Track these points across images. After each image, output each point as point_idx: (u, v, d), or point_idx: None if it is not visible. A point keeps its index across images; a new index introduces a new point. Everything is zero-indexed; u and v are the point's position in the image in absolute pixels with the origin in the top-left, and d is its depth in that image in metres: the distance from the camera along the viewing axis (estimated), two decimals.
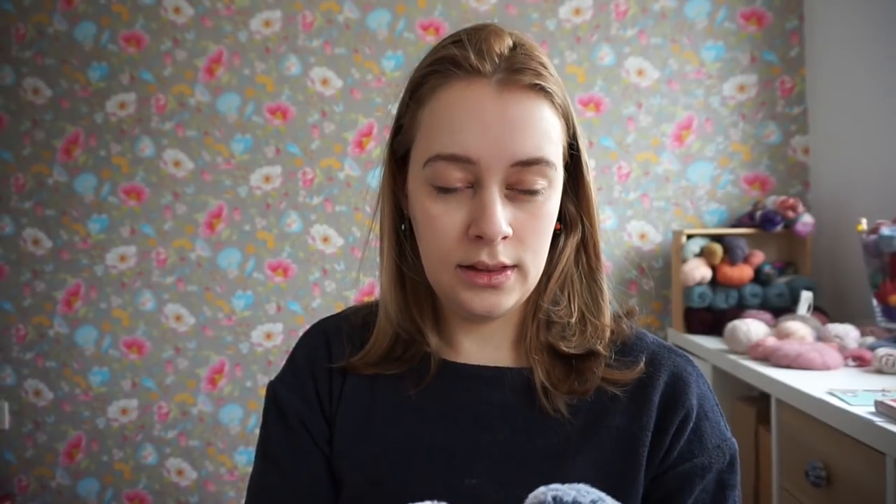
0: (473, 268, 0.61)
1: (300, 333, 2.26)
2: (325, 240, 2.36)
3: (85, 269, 2.40)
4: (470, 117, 0.59)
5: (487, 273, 0.61)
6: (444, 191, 0.61)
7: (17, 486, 2.41)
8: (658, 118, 2.28)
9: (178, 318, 2.39)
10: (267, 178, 2.37)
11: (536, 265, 0.63)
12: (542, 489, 0.48)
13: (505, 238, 0.60)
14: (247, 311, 2.38)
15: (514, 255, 0.61)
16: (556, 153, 0.62)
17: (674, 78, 2.28)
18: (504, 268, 0.61)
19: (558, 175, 0.63)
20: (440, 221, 0.61)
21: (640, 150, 2.29)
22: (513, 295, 0.63)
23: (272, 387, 0.74)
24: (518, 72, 0.60)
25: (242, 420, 2.38)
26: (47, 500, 2.41)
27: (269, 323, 2.38)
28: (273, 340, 2.38)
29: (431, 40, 2.32)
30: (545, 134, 0.60)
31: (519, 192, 0.60)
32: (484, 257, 0.60)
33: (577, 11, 2.30)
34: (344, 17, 2.35)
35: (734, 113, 2.27)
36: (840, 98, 2.07)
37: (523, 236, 0.61)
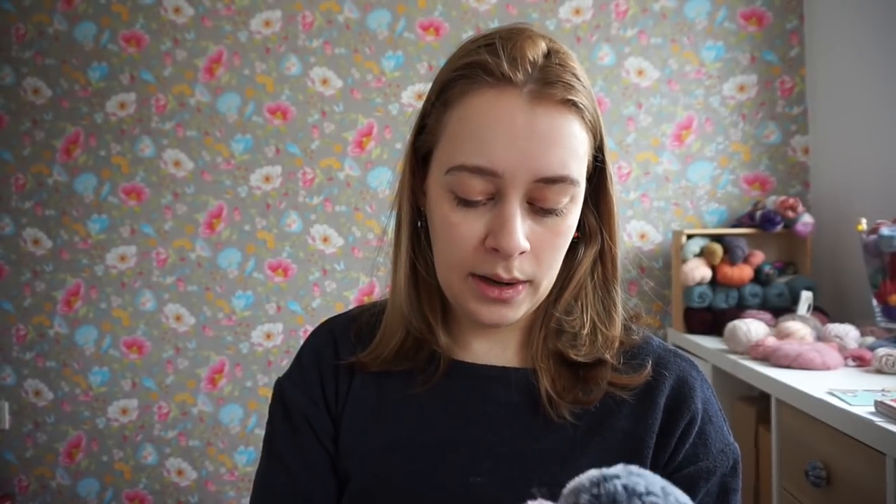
0: (486, 279, 0.61)
1: (300, 333, 2.27)
2: (325, 240, 2.36)
3: (85, 269, 2.40)
4: (498, 129, 0.57)
5: (499, 287, 0.60)
6: (466, 202, 0.60)
7: (17, 486, 2.41)
8: (658, 118, 2.28)
9: (178, 318, 2.39)
10: (267, 178, 2.37)
11: (549, 279, 0.63)
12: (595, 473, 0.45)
13: (522, 253, 0.59)
14: (247, 311, 2.38)
15: (530, 270, 0.61)
16: (580, 170, 0.61)
17: (674, 78, 2.28)
18: (517, 282, 0.61)
19: (580, 191, 0.62)
20: (459, 230, 0.60)
21: (640, 150, 2.29)
22: (522, 308, 0.63)
23: (279, 384, 0.74)
24: (551, 84, 0.58)
25: (242, 420, 2.38)
26: (47, 500, 2.41)
27: (269, 323, 2.38)
28: (273, 340, 2.38)
29: (431, 40, 2.32)
30: (572, 151, 0.59)
31: (540, 208, 0.60)
32: (500, 271, 0.59)
33: (577, 11, 2.30)
34: (344, 17, 2.35)
35: (734, 113, 2.27)
36: (840, 98, 2.07)
37: (540, 252, 0.60)
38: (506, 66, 0.58)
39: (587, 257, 0.68)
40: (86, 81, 2.39)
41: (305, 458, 0.69)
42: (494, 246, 0.58)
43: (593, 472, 0.45)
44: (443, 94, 0.62)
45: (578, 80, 0.60)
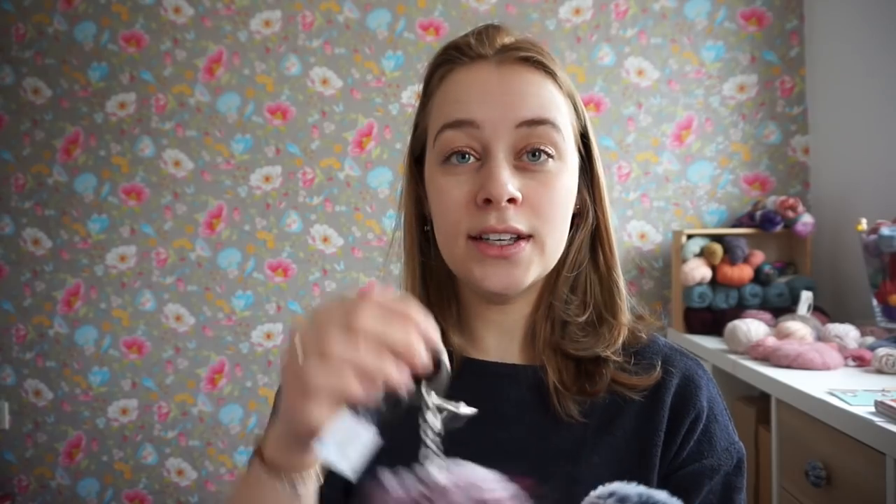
0: (485, 239, 0.61)
1: None
2: (325, 240, 2.36)
3: (85, 269, 2.40)
4: (471, 89, 0.62)
5: (499, 245, 0.60)
6: (454, 163, 0.62)
7: (17, 486, 2.41)
8: (658, 118, 2.28)
9: (178, 318, 2.38)
10: (267, 178, 2.37)
11: (554, 237, 0.63)
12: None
13: (514, 201, 0.60)
14: (247, 311, 2.38)
15: (527, 222, 0.61)
16: (563, 122, 0.63)
17: (674, 78, 2.28)
18: (518, 239, 0.61)
19: (569, 149, 0.64)
20: (451, 193, 0.61)
21: (640, 150, 2.29)
22: (530, 268, 0.62)
23: None
24: (517, 49, 0.63)
25: (242, 420, 2.38)
26: (47, 500, 2.41)
27: (269, 323, 2.38)
28: (273, 340, 2.38)
29: (431, 40, 2.32)
30: (549, 100, 0.62)
31: (528, 160, 0.61)
32: (492, 221, 0.60)
33: (577, 11, 2.30)
34: (344, 17, 2.35)
35: (734, 113, 2.27)
36: (840, 98, 2.07)
37: (535, 204, 0.61)
38: (475, 43, 0.63)
39: (578, 237, 0.69)
40: (86, 81, 2.39)
41: None
42: (485, 196, 0.60)
43: (613, 485, 0.47)
44: (426, 88, 0.67)
45: (548, 55, 0.64)
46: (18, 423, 2.41)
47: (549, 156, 0.61)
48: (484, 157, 0.61)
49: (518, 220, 0.60)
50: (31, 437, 2.41)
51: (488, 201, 0.59)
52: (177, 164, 2.38)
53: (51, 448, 2.41)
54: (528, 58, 0.62)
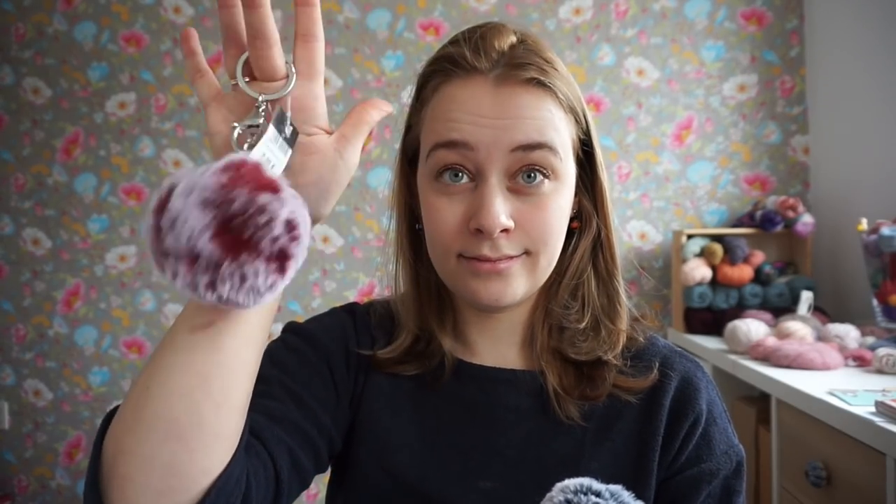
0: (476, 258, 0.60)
1: None
2: (325, 240, 2.36)
3: (85, 269, 2.40)
4: (466, 110, 0.59)
5: (491, 261, 0.60)
6: (447, 182, 0.60)
7: (16, 487, 2.41)
8: (658, 118, 2.28)
9: None
10: None
11: (547, 253, 0.62)
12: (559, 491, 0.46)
13: (507, 231, 0.59)
14: None
15: (519, 246, 0.60)
16: (560, 142, 0.60)
17: (674, 78, 2.28)
18: (510, 257, 0.60)
19: (566, 168, 0.62)
20: (442, 214, 0.60)
21: (640, 150, 2.29)
22: (520, 282, 0.61)
23: (295, 324, 0.71)
24: (517, 67, 0.59)
25: None
26: (47, 500, 2.41)
27: None
28: None
29: (431, 40, 2.32)
30: (547, 122, 0.59)
31: (523, 182, 0.59)
32: (486, 251, 0.59)
33: (577, 11, 2.30)
34: (344, 17, 2.35)
35: (734, 113, 2.27)
36: (840, 98, 2.07)
37: (528, 228, 0.60)
38: (469, 55, 0.60)
39: (581, 245, 0.68)
40: (86, 81, 2.39)
41: (309, 378, 0.65)
42: (476, 226, 0.58)
43: (584, 480, 0.45)
44: (420, 93, 0.65)
45: (549, 63, 0.61)
46: (18, 424, 2.41)
47: (545, 176, 0.60)
48: (477, 179, 0.60)
49: (511, 248, 0.59)
50: (31, 438, 2.41)
51: (480, 231, 0.58)
52: (177, 164, 2.37)
53: (51, 448, 2.40)
54: (528, 79, 0.59)
